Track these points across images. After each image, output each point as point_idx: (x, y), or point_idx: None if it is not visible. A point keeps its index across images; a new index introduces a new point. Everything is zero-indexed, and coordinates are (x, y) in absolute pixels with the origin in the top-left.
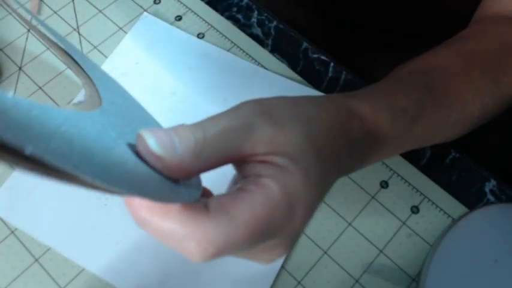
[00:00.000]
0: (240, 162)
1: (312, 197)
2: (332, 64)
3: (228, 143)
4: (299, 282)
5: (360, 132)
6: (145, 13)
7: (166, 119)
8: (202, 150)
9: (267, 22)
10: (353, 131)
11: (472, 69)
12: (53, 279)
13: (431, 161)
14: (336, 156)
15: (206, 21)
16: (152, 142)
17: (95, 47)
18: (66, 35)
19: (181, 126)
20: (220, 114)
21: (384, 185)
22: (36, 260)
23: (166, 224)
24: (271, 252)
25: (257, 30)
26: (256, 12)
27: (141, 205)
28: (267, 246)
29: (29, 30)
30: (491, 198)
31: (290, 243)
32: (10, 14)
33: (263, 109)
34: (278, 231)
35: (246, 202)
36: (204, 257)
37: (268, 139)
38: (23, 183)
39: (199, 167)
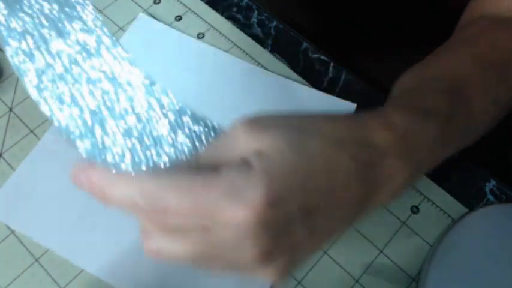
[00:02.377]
0: None
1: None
2: (332, 64)
3: (220, 159)
4: (299, 282)
5: (389, 140)
6: (140, 14)
7: None
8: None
9: (267, 22)
10: (374, 140)
11: (491, 79)
12: (53, 279)
13: None
14: (338, 168)
15: (206, 21)
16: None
17: None
18: None
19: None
20: (217, 141)
21: None
22: (36, 260)
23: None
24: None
25: (257, 30)
26: (256, 12)
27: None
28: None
29: None
30: (491, 198)
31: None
32: None
33: (252, 124)
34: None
35: (189, 175)
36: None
37: (251, 146)
38: (22, 185)
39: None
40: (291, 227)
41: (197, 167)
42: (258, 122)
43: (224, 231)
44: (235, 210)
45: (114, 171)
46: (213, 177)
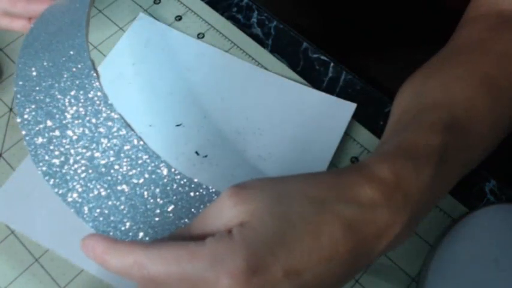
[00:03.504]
0: None
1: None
2: (332, 64)
3: (208, 228)
4: None
5: (375, 195)
6: (141, 13)
7: (164, 119)
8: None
9: (267, 22)
10: (359, 197)
11: (493, 103)
12: (53, 279)
13: None
14: (318, 232)
15: (206, 21)
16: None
17: (95, 47)
18: None
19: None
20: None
21: None
22: (36, 260)
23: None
24: None
25: (257, 30)
26: (256, 12)
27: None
28: None
29: None
30: (491, 198)
31: None
32: None
33: (234, 194)
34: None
35: (176, 246)
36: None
37: (234, 217)
38: (22, 185)
39: None
40: None
41: (188, 236)
42: (242, 192)
43: None
44: (218, 278)
45: (115, 239)
46: (197, 247)
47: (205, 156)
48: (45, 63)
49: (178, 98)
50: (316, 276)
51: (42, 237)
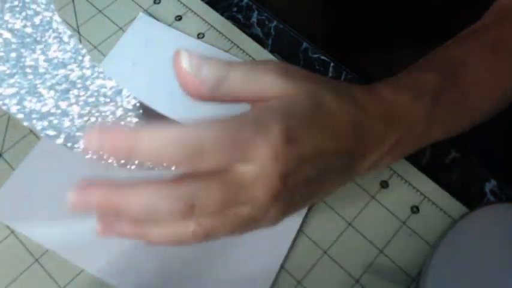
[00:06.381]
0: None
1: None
2: (332, 64)
3: (245, 88)
4: (299, 282)
5: (377, 108)
6: (140, 13)
7: None
8: (221, 85)
9: (267, 22)
10: (369, 106)
11: (493, 58)
12: (53, 279)
13: (431, 161)
14: (349, 128)
15: (206, 21)
16: (185, 60)
17: (95, 47)
18: None
19: (215, 59)
20: (250, 65)
21: (384, 185)
22: (36, 260)
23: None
24: (256, 192)
25: (257, 30)
26: (256, 12)
27: None
28: (248, 179)
29: None
30: (491, 198)
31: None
32: None
33: (283, 70)
34: (250, 148)
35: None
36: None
37: (278, 88)
38: (22, 185)
39: (214, 97)
40: (303, 166)
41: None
42: (288, 71)
43: (249, 166)
44: (261, 137)
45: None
46: (243, 116)
47: None
48: None
49: (178, 98)
50: (334, 166)
51: (42, 237)
